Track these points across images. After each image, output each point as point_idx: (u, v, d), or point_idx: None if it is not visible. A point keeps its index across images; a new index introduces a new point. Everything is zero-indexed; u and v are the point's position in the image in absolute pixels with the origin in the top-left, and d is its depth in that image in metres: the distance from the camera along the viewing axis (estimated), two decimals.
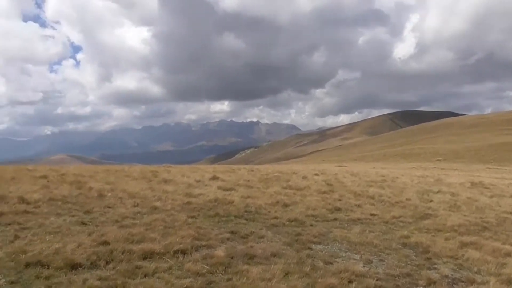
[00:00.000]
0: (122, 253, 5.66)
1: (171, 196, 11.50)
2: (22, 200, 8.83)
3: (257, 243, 7.13)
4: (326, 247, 7.33)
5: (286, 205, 11.32)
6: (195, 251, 6.30)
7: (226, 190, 13.76)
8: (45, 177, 14.81)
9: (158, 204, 9.98)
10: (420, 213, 11.49)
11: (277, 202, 11.68)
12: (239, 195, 12.46)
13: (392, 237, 8.47)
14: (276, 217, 9.50)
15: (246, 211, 10.05)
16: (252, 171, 25.70)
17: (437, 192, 16.60)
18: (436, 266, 6.74)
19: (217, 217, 9.13)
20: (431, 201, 14.02)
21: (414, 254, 7.36)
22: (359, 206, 12.01)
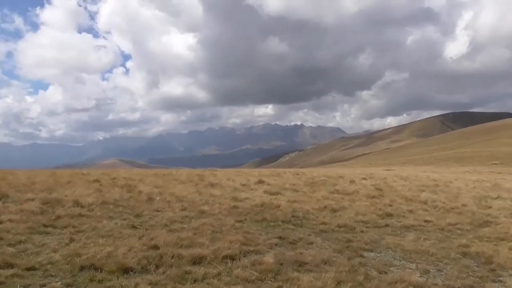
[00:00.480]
0: (172, 258, 5.67)
1: (218, 200, 11.53)
2: (77, 203, 9.16)
3: (307, 249, 6.94)
4: (379, 255, 7.00)
5: (334, 210, 11.01)
6: (244, 256, 6.21)
7: (272, 194, 13.64)
8: (97, 181, 15.39)
9: (205, 208, 10.02)
10: (479, 220, 10.76)
11: (325, 207, 11.39)
12: (286, 200, 12.30)
13: (449, 245, 7.96)
14: (324, 223, 9.25)
15: (293, 216, 9.86)
16: (298, 174, 25.42)
17: (496, 198, 15.55)
18: (501, 278, 6.23)
19: (264, 222, 9.02)
20: (490, 207, 13.13)
21: (475, 264, 6.85)
22: (411, 211, 11.47)
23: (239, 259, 6.01)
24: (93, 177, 17.59)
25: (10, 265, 5.00)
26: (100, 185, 14.02)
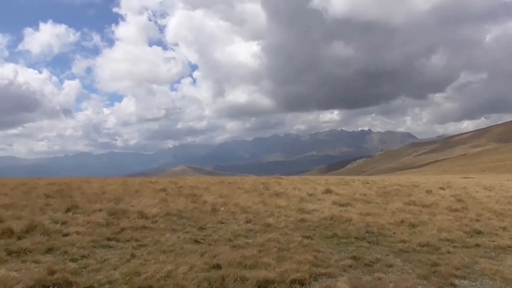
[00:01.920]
0: (235, 281, 5.17)
1: (283, 211, 10.95)
2: (141, 214, 9.07)
3: (386, 273, 6.10)
4: (473, 283, 5.95)
5: (413, 226, 9.94)
6: (314, 280, 5.54)
7: (342, 205, 12.78)
8: (164, 190, 15.50)
9: (270, 220, 9.48)
10: None
11: (402, 221, 10.35)
12: (357, 212, 11.41)
13: None
14: (403, 241, 8.27)
15: (367, 232, 8.98)
16: (368, 183, 24.10)
17: None
18: None
19: (335, 238, 8.26)
20: None
21: None
22: (504, 229, 10.04)
23: (309, 284, 5.35)
24: (161, 185, 17.86)
25: (70, 284, 4.80)
26: (166, 194, 14.08)
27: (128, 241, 7.02)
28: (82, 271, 5.33)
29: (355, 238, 8.36)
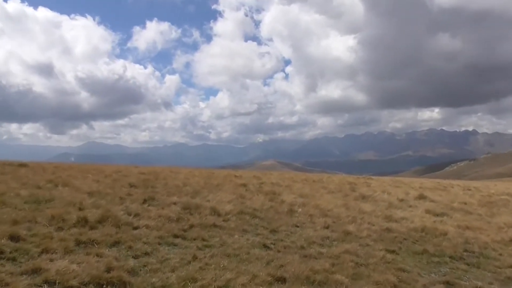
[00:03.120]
0: None
1: (367, 218, 9.98)
2: (214, 211, 8.81)
3: None
4: None
5: None
6: None
7: (436, 215, 11.35)
8: (245, 185, 15.31)
9: (351, 228, 8.61)
10: None
11: (511, 240, 8.76)
12: (455, 224, 9.98)
13: None
14: None
15: (465, 250, 7.68)
16: (469, 190, 21.63)
17: None
18: None
19: (425, 255, 7.14)
20: None
21: None
22: None
23: None
24: (243, 180, 17.78)
25: (124, 284, 4.58)
26: (246, 190, 13.84)
27: (194, 239, 6.74)
28: (140, 270, 5.10)
29: (450, 257, 7.14)
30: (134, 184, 12.47)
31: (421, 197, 15.37)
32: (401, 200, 14.21)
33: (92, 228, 6.70)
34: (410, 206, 12.87)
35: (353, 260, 6.30)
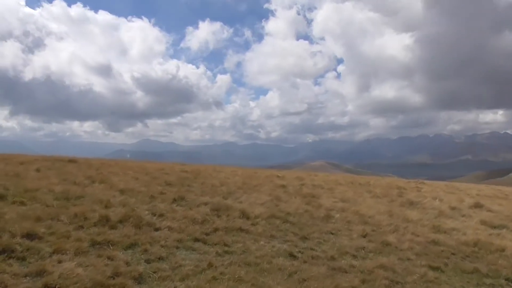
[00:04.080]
0: None
1: (412, 227, 9.08)
2: (243, 214, 8.35)
3: None
4: None
5: None
6: None
7: (494, 227, 10.16)
8: (284, 186, 14.77)
9: (392, 238, 7.81)
10: None
11: None
12: None
13: None
14: None
15: None
16: None
17: None
18: None
19: (475, 275, 6.22)
20: None
21: None
22: None
23: None
24: (284, 181, 17.21)
25: None
26: (284, 192, 13.28)
27: (215, 244, 6.31)
28: (149, 277, 4.74)
29: (506, 279, 6.15)
30: (171, 183, 12.30)
31: (477, 205, 13.99)
32: (454, 208, 12.98)
33: (112, 227, 6.48)
34: (464, 216, 11.67)
35: (388, 277, 5.56)
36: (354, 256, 6.52)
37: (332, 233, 7.97)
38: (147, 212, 7.57)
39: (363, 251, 6.88)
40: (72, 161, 17.27)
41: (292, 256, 6.21)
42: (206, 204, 9.04)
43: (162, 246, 5.88)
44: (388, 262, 6.16)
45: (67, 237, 5.74)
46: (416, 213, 11.11)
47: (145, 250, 5.64)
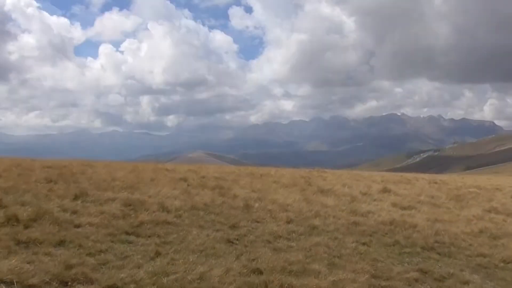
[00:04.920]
0: None
1: (331, 212, 11.21)
2: (162, 207, 9.52)
3: None
4: None
5: (494, 237, 10.04)
6: None
7: (404, 208, 12.93)
8: (184, 179, 16.09)
9: (317, 222, 9.77)
10: None
11: (481, 231, 10.44)
12: (424, 217, 11.54)
13: None
14: (483, 254, 8.42)
15: (436, 242, 9.13)
16: (435, 183, 24.00)
17: None
18: None
19: (396, 247, 8.49)
20: None
21: None
22: None
23: None
24: (179, 174, 18.38)
25: (90, 281, 5.22)
26: (188, 185, 14.53)
27: (149, 237, 7.46)
28: (102, 267, 5.75)
29: (421, 248, 8.56)
30: (52, 180, 12.66)
31: (385, 190, 17.05)
32: (364, 194, 15.72)
33: (27, 227, 7.16)
34: (375, 200, 14.37)
35: (325, 251, 7.45)
36: (288, 239, 8.26)
37: (258, 222, 9.61)
38: (57, 209, 8.29)
39: (294, 234, 8.66)
40: None
41: (230, 242, 7.69)
42: (114, 199, 9.93)
43: (95, 241, 6.83)
44: (321, 241, 8.08)
45: None
46: (331, 199, 13.38)
47: (80, 245, 6.55)
